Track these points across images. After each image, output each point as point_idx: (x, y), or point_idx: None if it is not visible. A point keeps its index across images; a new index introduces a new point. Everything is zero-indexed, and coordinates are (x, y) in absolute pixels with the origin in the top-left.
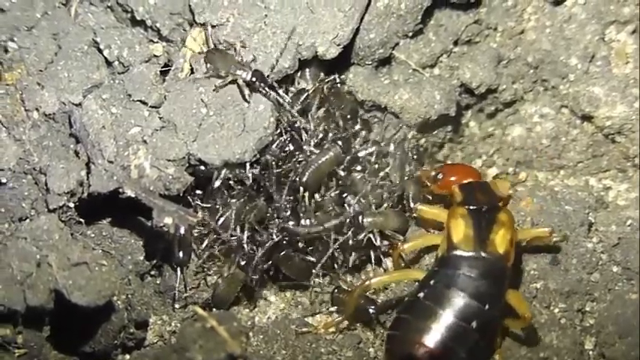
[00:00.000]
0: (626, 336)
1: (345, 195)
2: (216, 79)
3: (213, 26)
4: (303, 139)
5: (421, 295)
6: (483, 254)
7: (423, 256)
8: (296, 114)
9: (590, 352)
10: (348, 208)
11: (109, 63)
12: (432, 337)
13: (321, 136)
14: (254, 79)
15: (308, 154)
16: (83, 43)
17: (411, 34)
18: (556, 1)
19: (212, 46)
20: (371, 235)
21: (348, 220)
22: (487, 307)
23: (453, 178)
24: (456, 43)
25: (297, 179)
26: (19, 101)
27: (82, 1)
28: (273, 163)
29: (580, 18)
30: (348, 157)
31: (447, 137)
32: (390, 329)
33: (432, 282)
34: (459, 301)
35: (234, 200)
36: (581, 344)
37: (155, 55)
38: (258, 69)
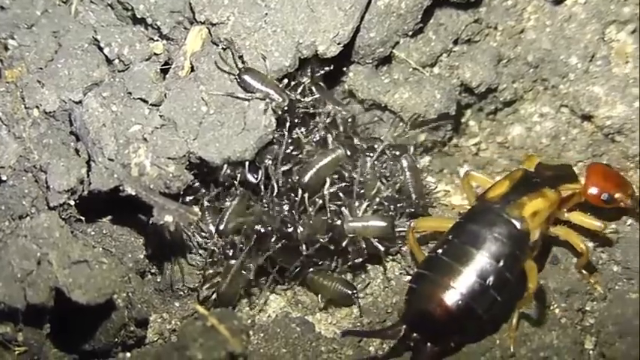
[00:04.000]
0: (626, 335)
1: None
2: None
3: (213, 24)
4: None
5: (440, 251)
6: (506, 212)
7: None
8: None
9: (590, 352)
10: (331, 213)
11: (109, 61)
12: (449, 294)
13: (321, 135)
14: (286, 107)
15: (309, 154)
16: (83, 41)
17: (411, 33)
18: (556, 0)
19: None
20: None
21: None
22: (503, 265)
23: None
24: (456, 42)
25: (298, 180)
26: (19, 99)
27: None
28: (272, 164)
29: (580, 17)
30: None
31: (447, 136)
32: (411, 282)
33: (450, 237)
34: (477, 257)
35: (231, 202)
36: (582, 344)
37: (155, 54)
38: (293, 98)
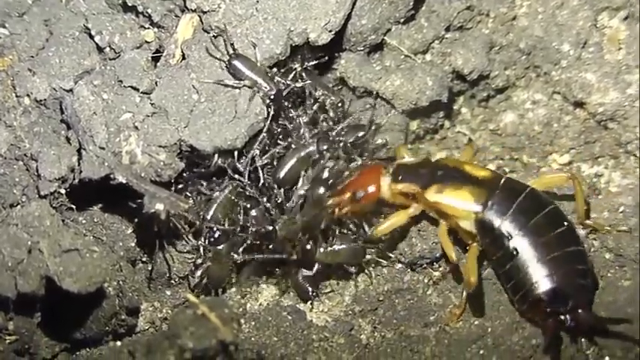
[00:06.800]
0: None
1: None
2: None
3: (204, 12)
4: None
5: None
6: (491, 185)
7: None
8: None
9: (583, 339)
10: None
11: (100, 49)
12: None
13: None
14: (272, 97)
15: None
16: (74, 29)
17: (402, 20)
18: None
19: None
20: None
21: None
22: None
23: (372, 188)
24: (448, 29)
25: (272, 176)
26: (10, 87)
27: None
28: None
29: (572, 4)
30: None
31: (439, 123)
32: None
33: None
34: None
35: (220, 193)
36: None
37: (147, 41)
38: (281, 88)
